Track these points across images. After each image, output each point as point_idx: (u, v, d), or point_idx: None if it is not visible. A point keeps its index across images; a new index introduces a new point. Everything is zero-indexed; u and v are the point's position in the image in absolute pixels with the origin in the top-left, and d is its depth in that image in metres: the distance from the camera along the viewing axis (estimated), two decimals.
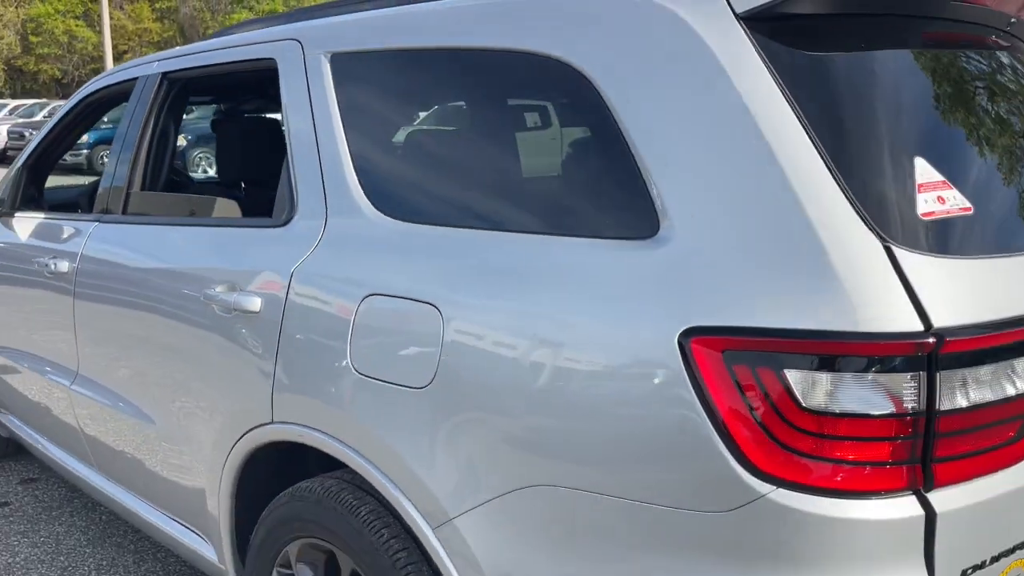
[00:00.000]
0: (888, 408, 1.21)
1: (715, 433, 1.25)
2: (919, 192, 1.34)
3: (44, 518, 3.41)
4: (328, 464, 1.87)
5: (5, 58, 39.73)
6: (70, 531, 3.30)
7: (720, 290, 1.30)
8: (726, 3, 1.43)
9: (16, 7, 39.09)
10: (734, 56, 1.38)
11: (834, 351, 1.21)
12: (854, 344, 1.20)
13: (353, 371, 1.71)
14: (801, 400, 1.22)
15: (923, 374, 1.21)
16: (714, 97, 1.38)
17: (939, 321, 1.23)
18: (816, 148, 1.31)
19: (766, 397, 1.23)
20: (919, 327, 1.21)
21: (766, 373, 1.23)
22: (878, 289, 1.22)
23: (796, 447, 1.23)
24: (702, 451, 1.26)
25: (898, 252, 1.26)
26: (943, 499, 1.27)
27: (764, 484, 1.23)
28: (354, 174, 1.89)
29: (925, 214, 1.33)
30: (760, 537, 1.25)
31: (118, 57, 34.80)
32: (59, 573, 2.99)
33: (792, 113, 1.33)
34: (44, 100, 28.70)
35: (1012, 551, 1.39)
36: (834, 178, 1.29)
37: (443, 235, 1.69)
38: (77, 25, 38.64)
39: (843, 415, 1.22)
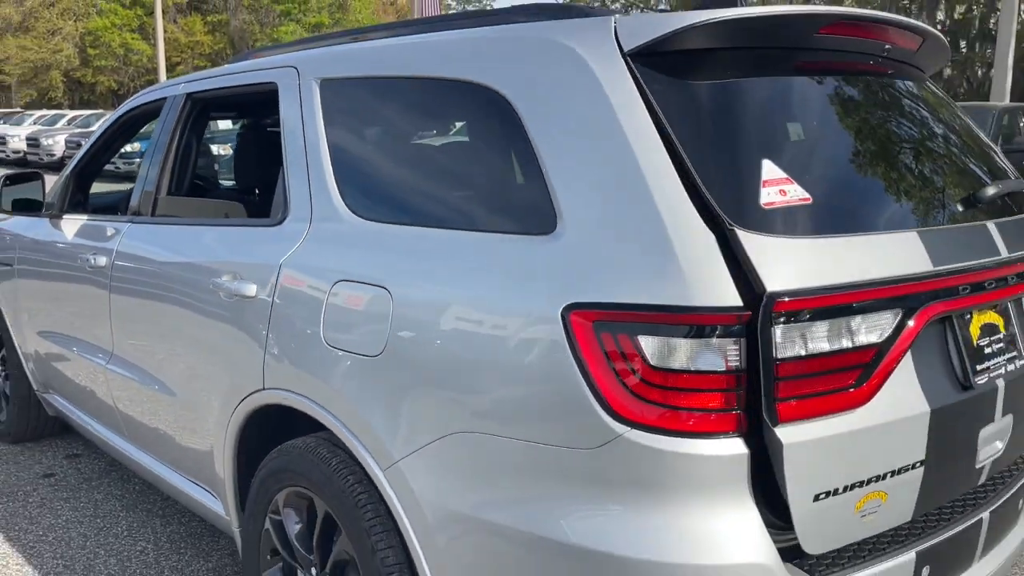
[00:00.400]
0: (715, 366, 1.54)
1: (586, 386, 1.58)
2: (763, 187, 1.65)
3: (84, 487, 3.84)
4: (313, 428, 2.23)
5: (64, 70, 41.33)
6: (107, 498, 3.72)
7: (595, 274, 1.63)
8: (615, 42, 1.77)
9: (75, 21, 40.69)
10: (616, 85, 1.72)
11: (673, 321, 1.54)
12: (688, 315, 1.53)
13: (324, 343, 2.07)
14: (650, 360, 1.55)
15: (743, 340, 1.53)
16: (599, 119, 1.72)
17: (772, 287, 1.53)
18: (673, 161, 1.64)
19: (623, 357, 1.56)
20: (739, 303, 1.53)
21: (624, 339, 1.56)
22: (708, 273, 1.54)
23: (646, 397, 1.55)
24: (577, 400, 1.60)
25: (742, 234, 1.56)
26: (789, 433, 1.56)
27: (621, 426, 1.56)
28: (334, 182, 2.26)
29: (767, 204, 1.64)
30: (620, 467, 1.58)
31: (171, 69, 36.00)
32: (96, 532, 3.40)
33: (656, 132, 1.66)
34: (100, 111, 29.86)
35: (866, 483, 1.68)
36: (685, 184, 1.62)
37: (396, 231, 2.05)
38: (133, 38, 40.07)
39: (680, 371, 1.54)
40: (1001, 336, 1.99)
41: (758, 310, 1.53)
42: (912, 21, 2.13)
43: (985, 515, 1.95)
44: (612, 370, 1.57)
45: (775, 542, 1.63)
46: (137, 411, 3.06)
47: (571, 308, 1.61)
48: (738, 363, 1.54)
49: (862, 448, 1.67)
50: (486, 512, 1.75)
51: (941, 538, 1.84)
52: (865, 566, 1.71)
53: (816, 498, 1.61)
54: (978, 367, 1.89)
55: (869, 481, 1.68)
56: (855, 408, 1.64)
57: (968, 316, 1.91)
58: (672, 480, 1.56)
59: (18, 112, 31.74)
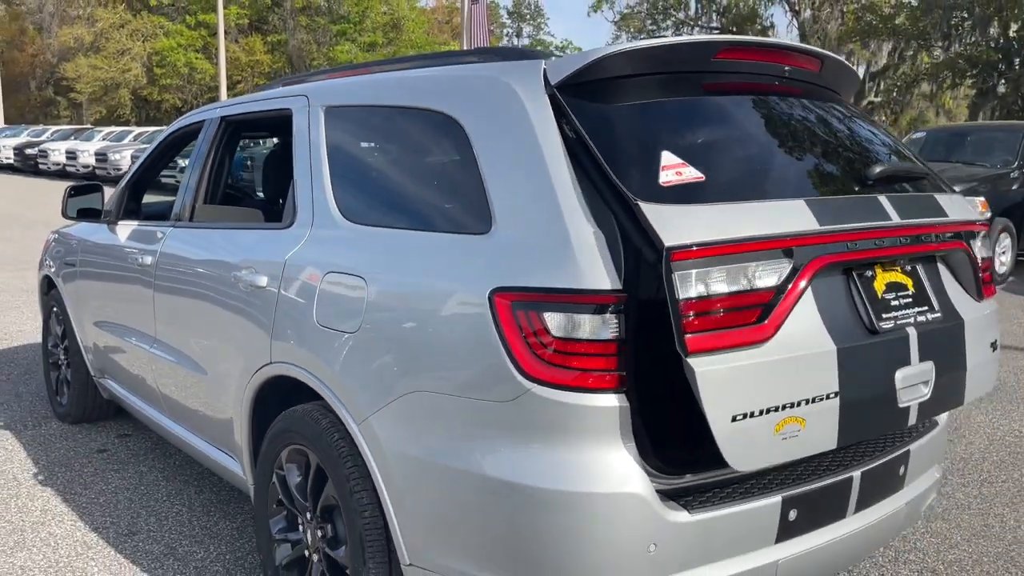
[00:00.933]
0: (600, 336, 1.95)
1: (504, 352, 2.00)
2: (662, 171, 2.04)
3: (132, 461, 4.37)
4: (312, 397, 2.69)
5: (132, 88, 43.14)
6: (151, 470, 4.24)
7: (516, 265, 2.06)
8: (543, 78, 2.21)
9: (143, 42, 42.48)
10: (538, 113, 2.16)
11: (568, 300, 1.95)
12: (579, 296, 1.94)
13: (316, 323, 2.54)
14: (552, 331, 1.97)
15: (621, 316, 1.94)
16: (524, 141, 2.15)
17: (669, 241, 1.89)
18: (581, 168, 2.05)
19: (532, 329, 1.98)
20: (618, 286, 1.94)
21: (533, 315, 1.98)
22: (596, 263, 1.95)
23: (549, 360, 1.97)
24: (498, 363, 2.02)
25: (644, 206, 1.94)
26: (702, 362, 1.90)
27: (530, 383, 1.98)
28: (331, 192, 2.73)
29: (665, 182, 2.03)
30: (529, 416, 1.99)
31: (232, 87, 37.34)
32: (139, 497, 3.91)
33: (565, 152, 2.08)
34: (165, 128, 31.10)
35: (781, 408, 2.00)
36: (592, 182, 2.03)
37: (374, 232, 2.51)
38: (197, 58, 41.69)
39: (574, 340, 1.95)
40: (910, 293, 2.34)
41: (661, 264, 1.90)
42: (803, 46, 2.55)
43: (856, 474, 2.31)
44: (524, 339, 1.99)
45: (664, 485, 2.03)
46: (174, 388, 3.57)
47: (496, 291, 2.04)
48: (617, 333, 1.95)
49: (772, 377, 2.00)
50: (432, 455, 2.18)
51: (808, 488, 2.21)
52: (734, 504, 2.09)
53: (734, 419, 1.94)
54: (884, 315, 2.23)
55: (784, 407, 2.01)
56: (761, 342, 1.99)
57: (871, 273, 2.26)
58: (568, 426, 1.97)
59: (88, 128, 33.26)
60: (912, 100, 33.81)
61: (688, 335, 1.91)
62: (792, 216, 2.11)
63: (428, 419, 2.20)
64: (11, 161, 31.06)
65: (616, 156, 2.07)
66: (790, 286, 2.03)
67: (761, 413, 1.99)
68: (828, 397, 2.08)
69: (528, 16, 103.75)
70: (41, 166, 28.72)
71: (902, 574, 3.28)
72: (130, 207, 4.27)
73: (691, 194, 2.05)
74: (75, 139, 29.88)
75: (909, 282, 2.37)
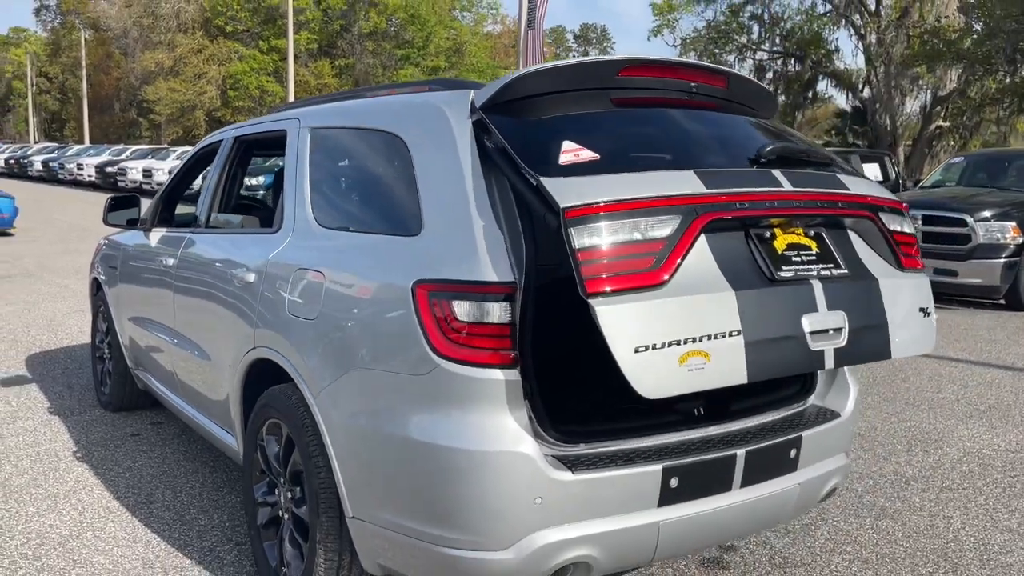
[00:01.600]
0: (495, 320, 2.32)
1: (422, 334, 2.39)
2: (562, 154, 2.38)
3: (160, 444, 4.87)
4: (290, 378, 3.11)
5: (207, 110, 45.03)
6: (175, 452, 4.73)
7: (435, 261, 2.45)
8: (470, 104, 2.60)
9: (219, 66, 44.38)
10: (462, 133, 2.55)
11: (470, 290, 2.33)
12: (478, 287, 2.32)
13: (287, 312, 2.96)
14: (458, 316, 2.35)
15: (513, 304, 2.31)
16: (449, 158, 2.55)
17: (564, 203, 2.21)
18: (494, 180, 2.44)
19: (443, 315, 2.37)
20: (510, 278, 2.31)
21: (444, 302, 2.37)
22: (493, 260, 2.33)
23: (454, 340, 2.35)
24: (416, 344, 2.41)
25: (545, 180, 2.27)
26: (601, 301, 2.17)
27: (440, 359, 2.36)
28: (310, 202, 3.17)
29: (564, 162, 2.37)
30: (440, 388, 2.37)
31: None
32: (160, 474, 4.40)
33: (480, 167, 2.47)
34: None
35: (682, 343, 2.27)
36: (501, 195, 2.41)
37: (335, 234, 2.94)
38: (268, 81, 43.35)
39: (475, 323, 2.33)
40: (814, 253, 2.61)
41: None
42: (704, 64, 2.92)
43: (740, 452, 2.62)
44: (437, 323, 2.38)
45: (561, 451, 2.39)
46: (187, 375, 4.05)
47: (417, 283, 2.44)
48: (510, 319, 2.32)
49: (671, 315, 2.26)
50: (368, 423, 2.58)
51: (689, 460, 2.53)
52: (616, 468, 2.43)
53: (636, 351, 2.21)
54: (783, 267, 2.51)
55: (685, 341, 2.27)
56: (657, 285, 2.26)
57: (770, 234, 2.56)
58: (470, 396, 2.35)
59: (164, 148, 34.86)
60: (980, 124, 33.14)
61: (587, 279, 2.19)
62: (681, 182, 2.41)
63: (365, 392, 2.60)
64: (93, 179, 32.78)
65: (529, 154, 2.40)
66: (680, 238, 2.32)
67: (663, 346, 2.23)
68: (731, 335, 2.34)
69: (594, 39, 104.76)
70: (120, 183, 30.22)
71: (835, 562, 3.53)
72: (164, 216, 4.80)
73: (587, 169, 2.37)
74: (152, 158, 31.36)
75: (813, 244, 2.64)
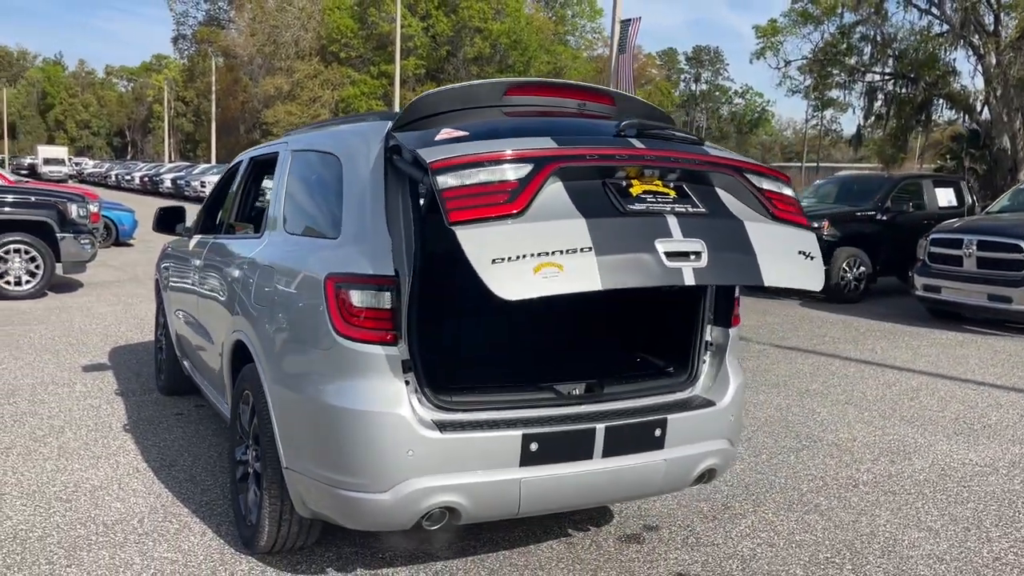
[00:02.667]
0: (378, 306, 2.88)
1: (327, 317, 2.98)
2: (439, 136, 2.89)
3: (196, 422, 5.63)
4: None
5: None
6: (207, 429, 5.48)
7: (344, 259, 3.04)
8: (388, 128, 3.17)
9: (332, 90, 46.78)
10: (375, 152, 3.14)
11: (360, 281, 2.91)
12: (366, 279, 2.90)
13: (253, 300, 3.61)
14: (352, 303, 2.92)
15: (392, 293, 2.86)
16: (363, 172, 3.14)
17: (430, 158, 2.71)
18: (394, 193, 3.01)
19: (343, 301, 2.94)
20: (390, 272, 2.87)
21: (343, 291, 2.95)
22: (380, 256, 2.90)
23: (351, 322, 2.92)
24: (324, 324, 2.99)
25: (420, 150, 2.78)
26: (461, 227, 2.61)
27: (340, 338, 2.94)
28: (283, 211, 3.82)
29: (438, 138, 2.87)
30: (340, 360, 2.95)
31: None
32: (188, 446, 5.13)
33: (382, 176, 3.04)
34: None
35: (536, 256, 2.64)
36: (391, 207, 2.99)
37: (291, 237, 3.58)
38: (377, 104, 45.37)
39: (364, 308, 2.90)
40: (671, 198, 2.97)
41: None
42: (582, 84, 3.43)
43: (600, 427, 3.08)
44: (338, 308, 2.96)
45: (439, 417, 2.93)
46: (202, 356, 4.78)
47: (327, 276, 3.03)
48: (391, 305, 2.88)
49: (525, 237, 2.65)
50: (294, 388, 3.18)
51: (548, 430, 3.01)
52: (480, 432, 2.93)
53: (493, 261, 2.59)
54: (635, 204, 2.88)
55: (538, 255, 2.63)
56: (510, 215, 2.67)
57: (626, 184, 2.94)
58: (361, 367, 2.92)
59: None
60: None
61: (450, 211, 2.64)
62: (537, 143, 2.88)
63: (292, 365, 3.22)
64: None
65: (417, 145, 2.90)
66: (531, 180, 2.75)
67: (517, 258, 2.60)
68: (582, 251, 2.68)
69: (707, 61, 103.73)
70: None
71: (743, 545, 3.89)
72: (205, 224, 5.58)
73: (457, 140, 2.87)
74: None
75: (672, 192, 3.00)
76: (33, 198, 10.86)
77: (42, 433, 5.26)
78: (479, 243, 2.63)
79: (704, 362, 3.55)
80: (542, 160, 2.81)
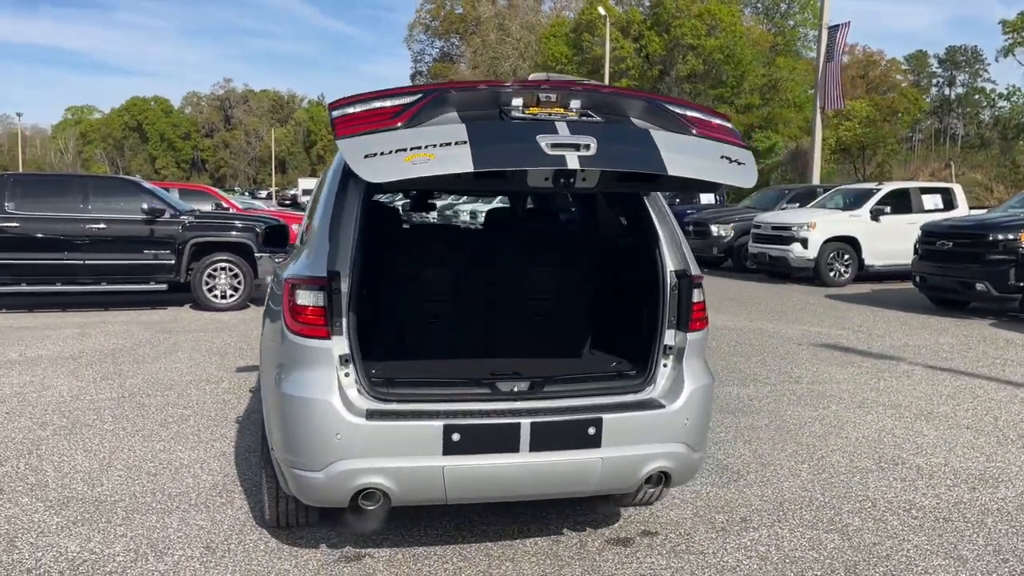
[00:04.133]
0: (316, 304, 3.23)
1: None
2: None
3: (235, 401, 6.27)
4: None
5: None
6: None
7: (302, 263, 3.43)
8: None
9: None
10: (338, 166, 3.50)
11: (303, 283, 3.28)
12: (307, 280, 3.26)
13: (269, 304, 4.11)
14: (299, 301, 3.30)
15: (325, 293, 3.20)
16: (328, 182, 3.52)
17: (335, 113, 3.11)
18: (349, 206, 3.37)
19: (293, 301, 3.32)
20: (323, 273, 3.21)
21: (295, 292, 3.33)
22: (318, 263, 3.26)
23: (297, 319, 3.30)
24: (282, 322, 3.39)
25: (339, 141, 3.07)
26: (345, 139, 2.96)
27: (289, 333, 3.32)
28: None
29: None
30: (291, 353, 3.33)
31: None
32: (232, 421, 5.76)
33: (337, 188, 3.40)
34: None
35: (408, 150, 2.90)
36: (338, 218, 3.34)
37: (301, 246, 4.03)
38: None
39: (306, 307, 3.26)
40: (568, 113, 3.16)
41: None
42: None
43: (526, 422, 3.20)
44: (290, 307, 3.35)
45: (373, 405, 3.23)
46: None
47: (286, 278, 3.43)
48: (325, 303, 3.22)
49: (400, 140, 2.94)
50: (267, 378, 3.61)
51: (469, 423, 3.19)
52: (403, 421, 3.18)
53: (365, 157, 2.91)
54: (521, 115, 3.11)
55: (411, 149, 2.91)
56: (395, 127, 2.99)
57: (524, 110, 3.15)
58: (304, 359, 3.29)
59: None
60: None
61: (337, 128, 3.03)
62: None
63: (266, 355, 3.65)
64: None
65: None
66: (419, 103, 3.06)
67: (389, 153, 2.90)
68: (456, 144, 2.92)
69: (963, 62, 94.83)
70: None
71: (733, 557, 3.79)
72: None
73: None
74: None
75: (573, 114, 3.17)
76: (239, 223, 12.39)
77: (170, 420, 6.12)
78: (355, 147, 2.93)
79: (665, 365, 3.55)
80: (431, 90, 3.09)
